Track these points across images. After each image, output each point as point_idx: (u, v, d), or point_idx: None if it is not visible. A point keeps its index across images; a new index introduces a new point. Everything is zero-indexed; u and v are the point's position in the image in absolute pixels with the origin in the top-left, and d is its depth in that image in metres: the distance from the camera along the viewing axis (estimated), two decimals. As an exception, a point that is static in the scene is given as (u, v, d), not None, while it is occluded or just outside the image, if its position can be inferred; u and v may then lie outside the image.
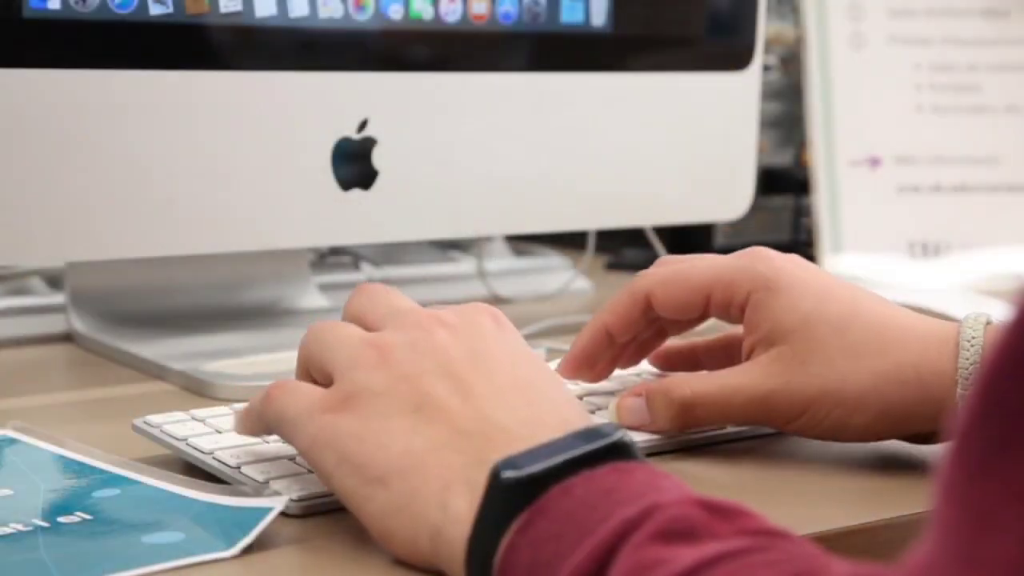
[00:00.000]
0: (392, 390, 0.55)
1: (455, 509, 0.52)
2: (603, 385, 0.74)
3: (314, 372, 0.59)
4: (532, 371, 0.58)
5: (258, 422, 0.60)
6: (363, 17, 0.87)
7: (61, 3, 0.77)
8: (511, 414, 0.55)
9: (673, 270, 0.70)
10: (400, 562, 0.55)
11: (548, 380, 0.58)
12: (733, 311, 0.68)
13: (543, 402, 0.56)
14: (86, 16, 0.78)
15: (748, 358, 0.67)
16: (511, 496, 0.50)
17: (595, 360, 0.72)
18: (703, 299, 0.68)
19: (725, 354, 0.72)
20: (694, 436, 0.70)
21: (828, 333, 0.65)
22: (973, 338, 0.64)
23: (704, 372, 0.71)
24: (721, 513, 0.47)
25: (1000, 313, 0.68)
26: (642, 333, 0.72)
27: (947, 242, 1.17)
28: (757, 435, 0.71)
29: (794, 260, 0.69)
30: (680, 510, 0.46)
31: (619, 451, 0.51)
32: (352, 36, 0.88)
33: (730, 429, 0.71)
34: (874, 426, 0.65)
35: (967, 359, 0.64)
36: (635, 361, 0.74)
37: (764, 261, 0.68)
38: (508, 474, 0.50)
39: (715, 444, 0.71)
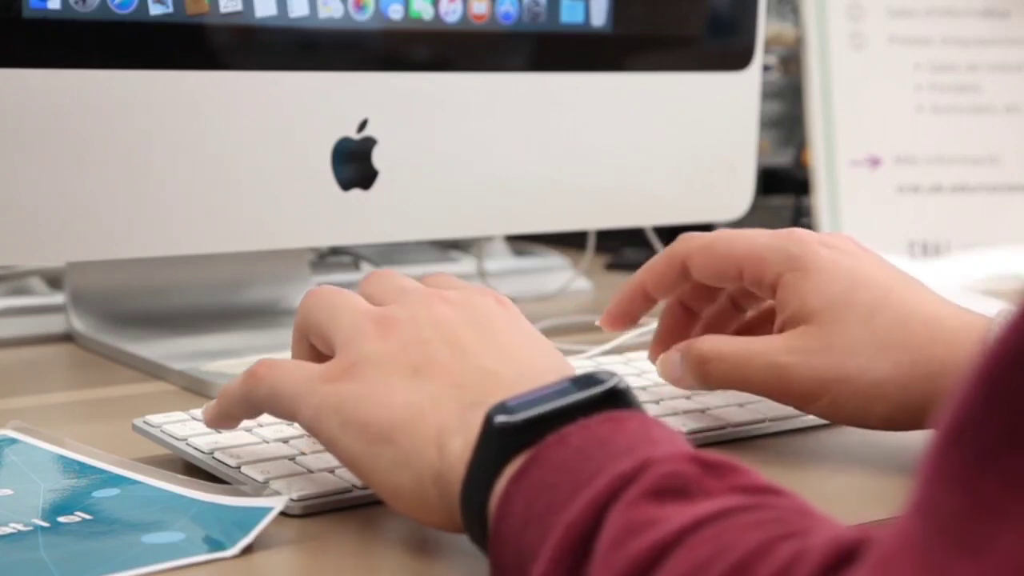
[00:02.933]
0: (393, 357, 0.56)
1: (450, 451, 0.52)
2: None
3: (313, 337, 0.60)
4: (531, 340, 0.58)
5: (241, 405, 0.60)
6: (363, 17, 0.87)
7: (61, 3, 0.77)
8: (507, 366, 0.55)
9: (712, 238, 0.71)
10: (401, 563, 0.55)
11: (547, 349, 0.58)
12: (764, 288, 0.69)
13: (540, 362, 0.56)
14: (86, 16, 0.78)
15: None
16: (504, 441, 0.50)
17: (633, 315, 0.74)
18: (736, 271, 0.69)
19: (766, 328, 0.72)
20: (697, 434, 0.70)
21: (854, 320, 0.65)
22: None
23: (733, 336, 0.71)
24: (714, 469, 0.47)
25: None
26: (692, 294, 0.74)
27: (947, 242, 1.17)
28: (757, 435, 0.72)
29: (832, 243, 0.69)
30: (673, 466, 0.46)
31: (616, 398, 0.51)
32: (352, 36, 0.88)
33: (728, 429, 0.71)
34: (896, 416, 0.65)
35: None
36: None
37: (798, 243, 0.68)
38: (501, 419, 0.50)
39: (715, 444, 0.71)
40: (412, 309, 0.58)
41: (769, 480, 0.47)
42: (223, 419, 0.62)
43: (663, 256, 0.72)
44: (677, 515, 0.44)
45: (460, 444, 0.52)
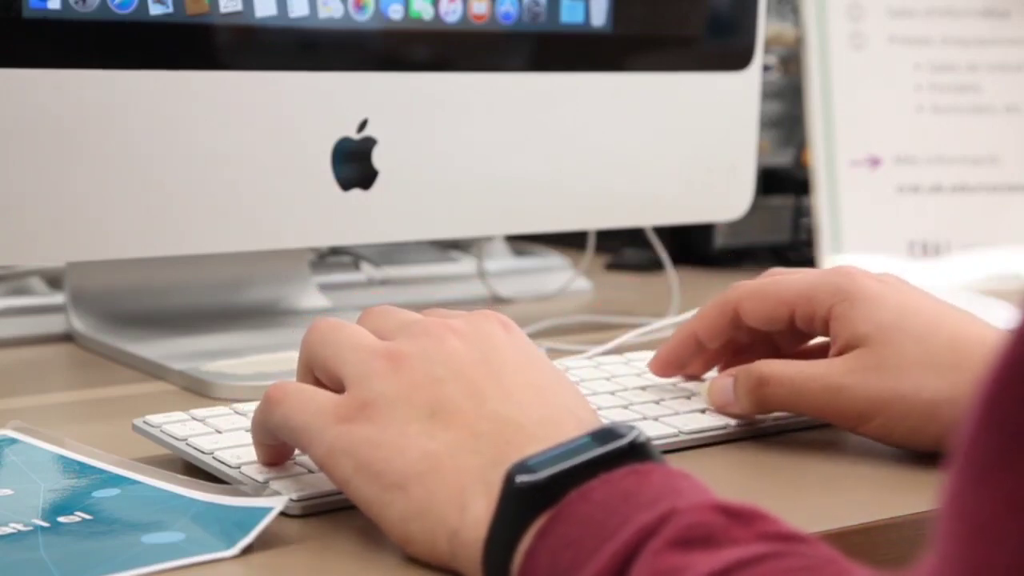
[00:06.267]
0: (407, 397, 0.55)
1: (473, 511, 0.52)
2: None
3: (319, 373, 0.59)
4: (543, 373, 0.58)
5: (260, 430, 0.60)
6: (363, 17, 0.87)
7: (61, 3, 0.77)
8: (525, 414, 0.55)
9: (760, 284, 0.72)
10: (401, 563, 0.55)
11: (559, 382, 0.58)
12: (817, 324, 0.70)
13: (556, 402, 0.56)
14: (86, 16, 0.78)
15: None
16: (526, 500, 0.50)
17: (683, 362, 0.75)
18: (788, 313, 0.71)
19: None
20: (697, 434, 0.70)
21: (907, 343, 0.66)
22: None
23: (789, 360, 0.72)
24: (739, 517, 0.47)
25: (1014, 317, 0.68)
26: (740, 338, 0.74)
27: (947, 242, 1.17)
28: (758, 435, 0.72)
29: (880, 279, 0.70)
30: (697, 516, 0.46)
31: (636, 451, 0.51)
32: (352, 36, 0.88)
33: (729, 428, 0.71)
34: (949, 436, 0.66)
35: None
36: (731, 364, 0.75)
37: (845, 276, 0.70)
38: (523, 479, 0.50)
39: (715, 444, 0.71)
40: (422, 343, 0.57)
41: (796, 528, 0.47)
42: (257, 449, 0.62)
43: (715, 304, 0.73)
44: (704, 563, 0.44)
45: (483, 506, 0.52)
